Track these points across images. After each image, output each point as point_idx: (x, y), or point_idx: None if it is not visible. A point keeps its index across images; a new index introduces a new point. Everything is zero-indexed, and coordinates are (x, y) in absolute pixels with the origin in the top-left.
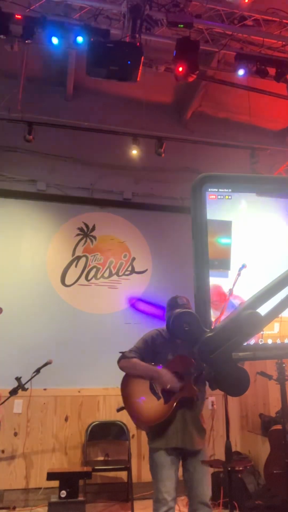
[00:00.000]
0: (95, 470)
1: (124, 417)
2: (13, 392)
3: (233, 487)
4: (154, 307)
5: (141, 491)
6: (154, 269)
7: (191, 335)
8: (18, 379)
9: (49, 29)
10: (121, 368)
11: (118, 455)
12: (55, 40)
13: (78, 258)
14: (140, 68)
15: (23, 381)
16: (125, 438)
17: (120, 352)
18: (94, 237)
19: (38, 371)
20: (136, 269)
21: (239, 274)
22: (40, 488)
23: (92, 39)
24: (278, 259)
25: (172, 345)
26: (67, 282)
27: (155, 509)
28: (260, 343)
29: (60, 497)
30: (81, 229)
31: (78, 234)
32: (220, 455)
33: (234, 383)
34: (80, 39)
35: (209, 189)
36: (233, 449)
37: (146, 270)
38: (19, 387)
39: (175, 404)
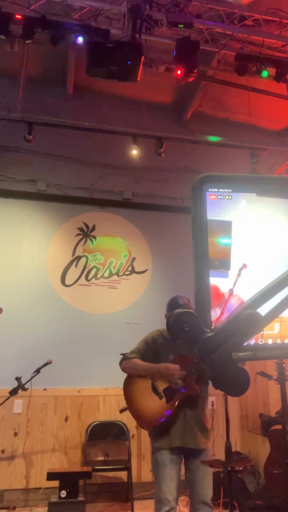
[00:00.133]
0: (95, 470)
1: (124, 417)
2: (13, 392)
3: (233, 487)
4: None
5: (141, 491)
6: (154, 269)
7: (191, 335)
8: (18, 379)
9: (49, 29)
10: (123, 370)
11: (118, 455)
12: (55, 40)
13: (78, 258)
14: (140, 68)
15: (23, 381)
16: (125, 438)
17: (121, 354)
18: (94, 237)
19: (38, 371)
20: (136, 269)
21: (239, 274)
22: (40, 488)
23: (92, 39)
24: (278, 259)
25: (173, 345)
26: (67, 282)
27: (156, 509)
28: (260, 343)
29: (60, 497)
30: (81, 229)
31: (78, 234)
32: (220, 455)
33: (234, 383)
34: (80, 39)
35: (209, 189)
36: (233, 449)
37: (146, 270)
38: (19, 387)
39: (177, 403)
